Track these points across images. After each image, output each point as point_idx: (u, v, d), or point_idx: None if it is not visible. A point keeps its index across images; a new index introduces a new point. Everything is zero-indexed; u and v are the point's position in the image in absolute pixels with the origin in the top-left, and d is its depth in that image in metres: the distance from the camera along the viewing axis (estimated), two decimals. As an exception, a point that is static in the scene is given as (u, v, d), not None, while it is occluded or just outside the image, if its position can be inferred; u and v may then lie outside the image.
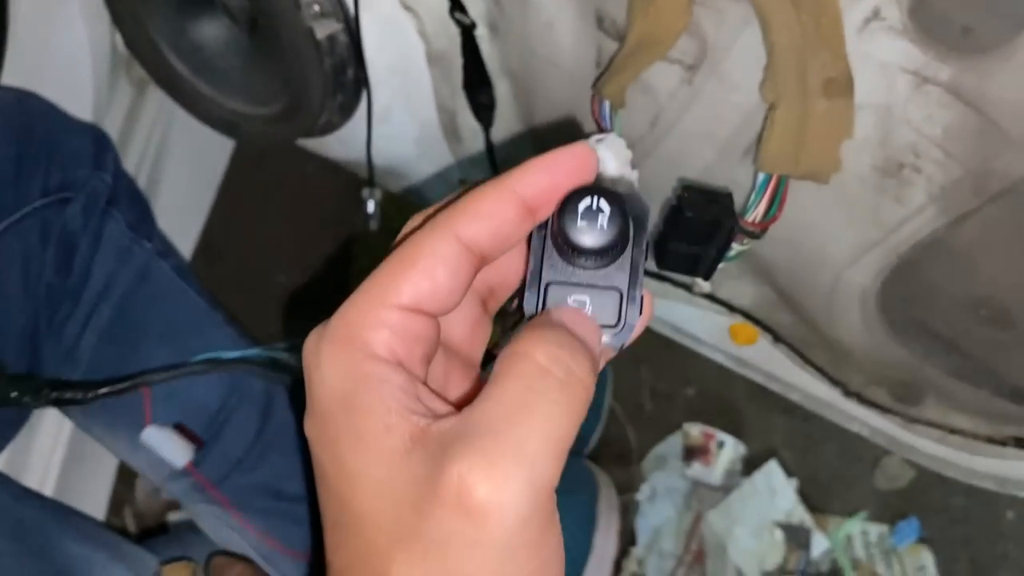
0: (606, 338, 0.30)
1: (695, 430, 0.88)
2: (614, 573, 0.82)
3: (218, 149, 1.04)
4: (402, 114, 0.70)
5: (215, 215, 1.04)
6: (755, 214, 0.49)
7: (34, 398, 0.57)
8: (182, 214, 0.99)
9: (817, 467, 0.85)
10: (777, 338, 0.72)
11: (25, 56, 0.71)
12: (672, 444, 0.89)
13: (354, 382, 0.27)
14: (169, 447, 0.64)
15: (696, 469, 0.87)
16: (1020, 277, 0.49)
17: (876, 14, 0.40)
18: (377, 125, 0.69)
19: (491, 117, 0.65)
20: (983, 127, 0.41)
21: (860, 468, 0.83)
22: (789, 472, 0.84)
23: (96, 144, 0.66)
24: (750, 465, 0.86)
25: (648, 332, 0.34)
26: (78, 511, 0.69)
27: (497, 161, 0.67)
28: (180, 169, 0.94)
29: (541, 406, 0.26)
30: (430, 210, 0.30)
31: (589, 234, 0.28)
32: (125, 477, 0.95)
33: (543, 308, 0.29)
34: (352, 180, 0.85)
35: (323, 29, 0.61)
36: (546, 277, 0.30)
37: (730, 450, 0.87)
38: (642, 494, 0.87)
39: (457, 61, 0.62)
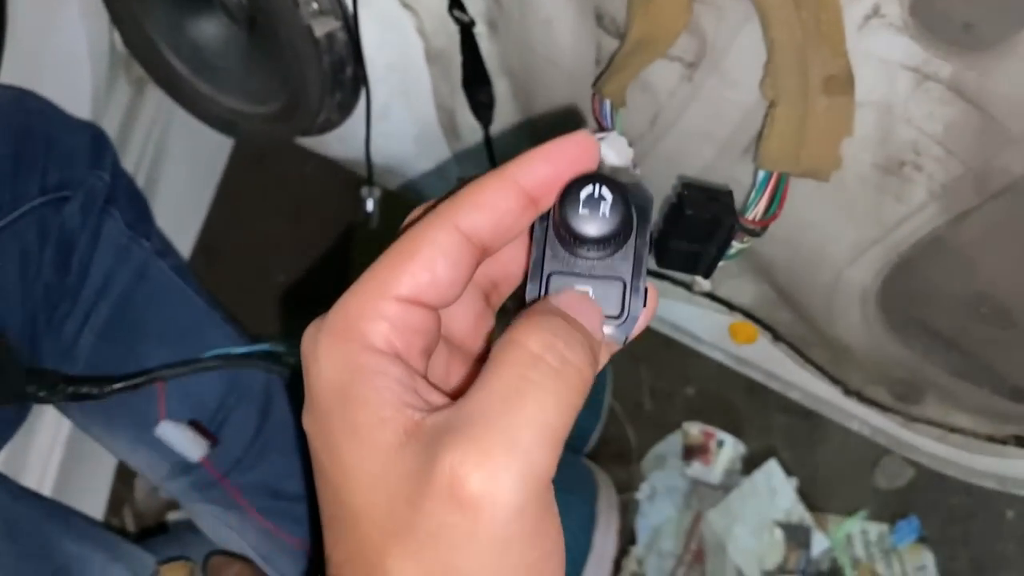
0: (610, 330, 0.29)
1: (695, 429, 0.88)
2: (614, 572, 0.82)
3: (217, 148, 1.03)
4: (401, 112, 0.70)
5: (214, 214, 1.04)
6: (755, 212, 0.49)
7: (50, 393, 0.58)
8: (181, 213, 0.99)
9: (817, 466, 0.84)
10: (777, 337, 0.72)
11: (24, 55, 0.71)
12: (672, 443, 0.88)
13: (350, 374, 0.27)
14: (184, 442, 0.64)
15: (696, 468, 0.87)
16: (1021, 275, 0.48)
17: (876, 11, 0.40)
18: (376, 123, 0.69)
19: (490, 115, 0.64)
20: (984, 124, 0.41)
21: (860, 467, 0.83)
22: (789, 471, 0.84)
23: (94, 143, 0.66)
24: (750, 464, 0.86)
25: (648, 331, 0.33)
26: (76, 511, 0.69)
27: (496, 159, 0.67)
28: (179, 168, 0.94)
29: (534, 394, 0.25)
30: (431, 202, 0.30)
31: (591, 222, 0.28)
32: (124, 476, 0.95)
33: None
34: (351, 178, 0.84)
35: (322, 27, 0.61)
36: (548, 267, 0.29)
37: (730, 449, 0.86)
38: (642, 493, 0.87)
39: (456, 59, 0.62)
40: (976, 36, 0.38)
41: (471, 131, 0.68)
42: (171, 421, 0.64)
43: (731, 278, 0.67)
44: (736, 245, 0.51)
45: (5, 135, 0.60)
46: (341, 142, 0.73)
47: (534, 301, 0.29)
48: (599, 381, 0.87)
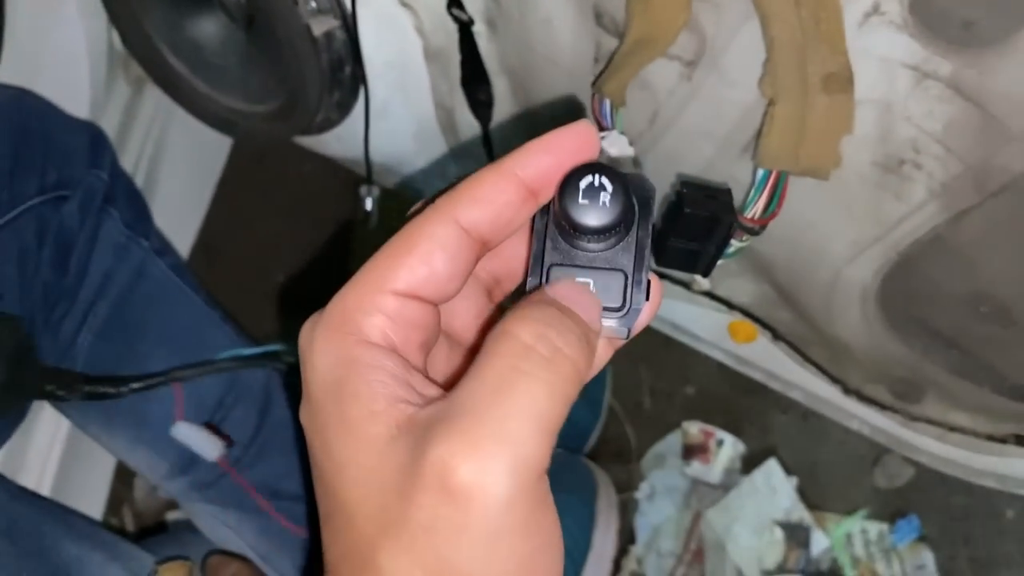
0: (613, 323, 0.29)
1: (694, 428, 0.88)
2: (613, 572, 0.81)
3: (216, 147, 1.03)
4: (400, 111, 0.70)
5: (213, 213, 1.04)
6: (754, 210, 0.49)
7: (68, 391, 0.59)
8: (180, 212, 0.99)
9: (817, 465, 0.84)
10: (776, 335, 0.72)
11: (22, 54, 0.71)
12: (671, 442, 0.88)
13: (344, 367, 0.26)
14: (201, 442, 0.65)
15: (695, 467, 0.86)
16: (1021, 274, 0.48)
17: (876, 9, 0.40)
18: (375, 122, 0.69)
19: (489, 114, 0.64)
20: (984, 122, 0.41)
21: (860, 466, 0.83)
22: (788, 470, 0.84)
23: (93, 142, 0.66)
24: (749, 463, 0.86)
25: (647, 330, 0.33)
26: (74, 510, 0.69)
27: (495, 157, 0.67)
28: (177, 167, 0.94)
29: (524, 384, 0.25)
30: (431, 197, 0.30)
31: (591, 212, 0.27)
32: (123, 476, 0.95)
33: None
34: (350, 177, 0.84)
35: (320, 26, 0.61)
36: (548, 259, 0.29)
37: (729, 448, 0.86)
38: (641, 492, 0.87)
39: (455, 58, 0.62)
40: (976, 34, 0.38)
41: (470, 129, 0.68)
42: (187, 422, 0.65)
43: (730, 277, 0.67)
44: (735, 244, 0.51)
45: (3, 134, 0.59)
46: (340, 141, 0.73)
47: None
48: (598, 380, 0.87)
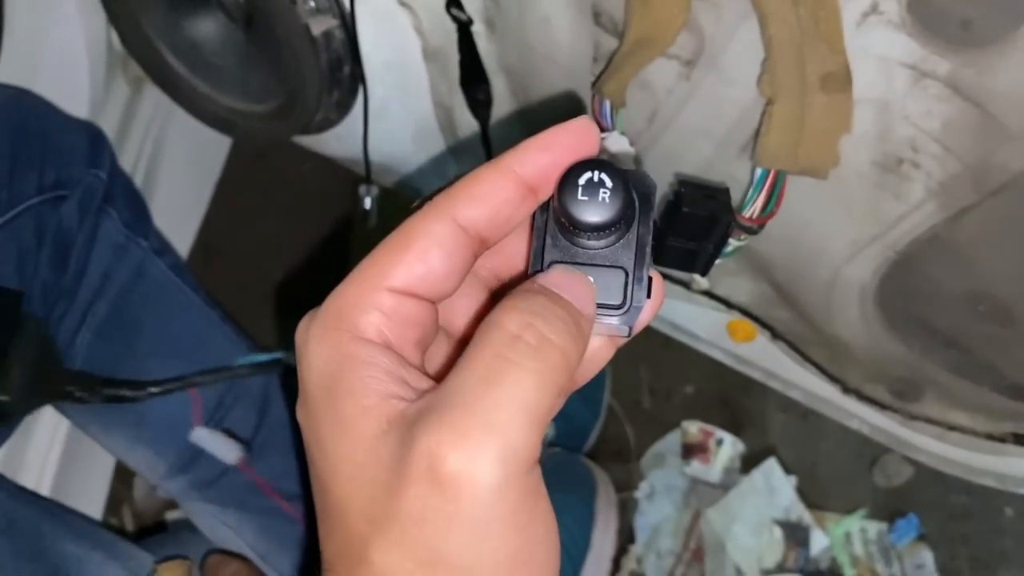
0: (614, 321, 0.29)
1: (693, 427, 0.88)
2: (613, 571, 0.81)
3: (215, 147, 1.03)
4: (399, 110, 0.70)
5: (212, 213, 1.04)
6: (753, 210, 0.49)
7: (89, 393, 0.60)
8: (179, 212, 0.99)
9: (816, 464, 0.84)
10: (775, 335, 0.72)
11: (21, 54, 0.71)
12: (671, 442, 0.88)
13: (338, 364, 0.26)
14: (220, 447, 0.65)
15: (695, 467, 0.86)
16: (1019, 273, 0.48)
17: (874, 8, 0.40)
18: (374, 122, 0.69)
19: (488, 113, 0.64)
20: (982, 121, 0.41)
21: (859, 465, 0.83)
22: (788, 469, 0.84)
23: (92, 142, 0.66)
24: (749, 463, 0.86)
25: (646, 330, 0.33)
26: (73, 510, 0.69)
27: (494, 157, 0.67)
28: (177, 167, 0.94)
29: (511, 374, 0.24)
30: (431, 195, 0.29)
31: (590, 208, 0.27)
32: (123, 476, 0.95)
33: None
34: (349, 177, 0.84)
35: (319, 25, 0.61)
36: (548, 256, 0.29)
37: (729, 448, 0.86)
38: (641, 492, 0.87)
39: (454, 57, 0.62)
40: (974, 33, 0.38)
41: (469, 129, 0.68)
42: (205, 428, 0.65)
43: (729, 276, 0.67)
44: (733, 243, 0.51)
45: (2, 134, 0.59)
46: (339, 140, 0.73)
47: None
48: (598, 379, 0.87)
